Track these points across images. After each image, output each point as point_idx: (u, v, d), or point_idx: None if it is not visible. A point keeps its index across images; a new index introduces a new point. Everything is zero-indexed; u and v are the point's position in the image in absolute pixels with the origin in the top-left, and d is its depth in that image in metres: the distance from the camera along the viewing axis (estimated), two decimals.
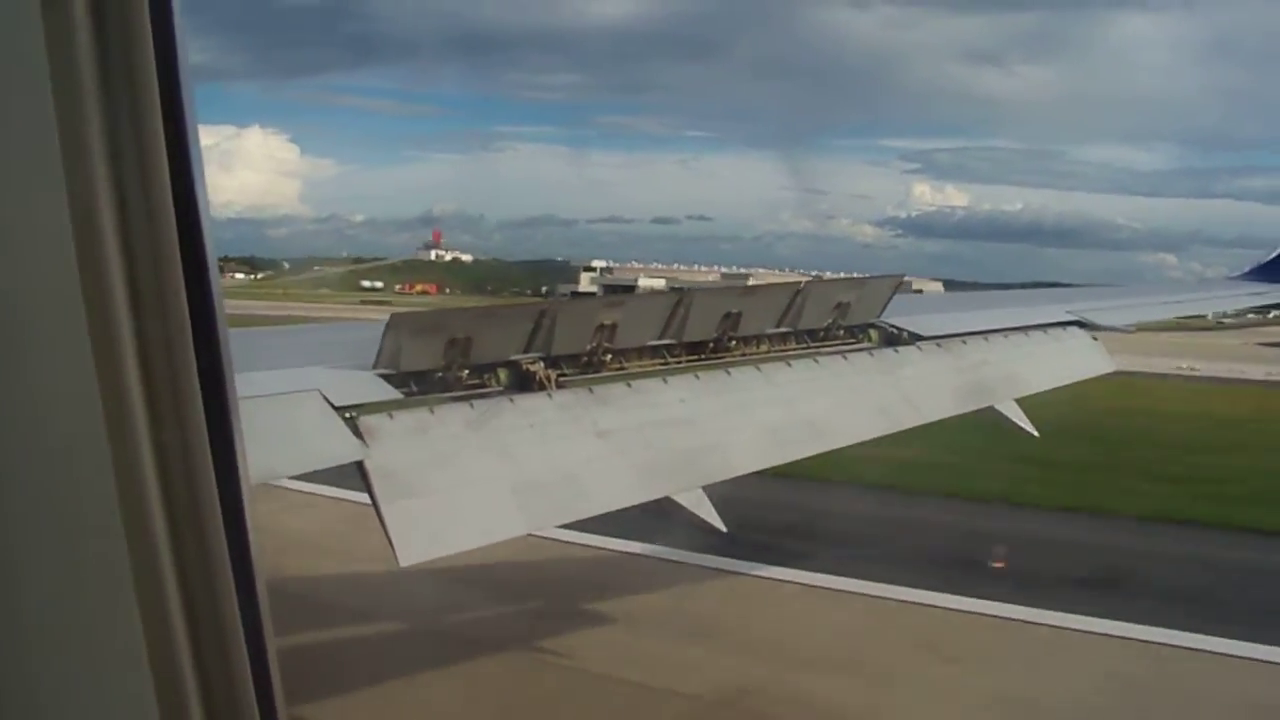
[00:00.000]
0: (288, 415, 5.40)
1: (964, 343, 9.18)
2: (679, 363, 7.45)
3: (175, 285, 1.48)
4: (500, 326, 6.72)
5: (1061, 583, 15.25)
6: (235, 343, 1.64)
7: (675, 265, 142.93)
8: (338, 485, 13.76)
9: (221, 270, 1.71)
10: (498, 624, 13.36)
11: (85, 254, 1.40)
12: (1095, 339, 10.41)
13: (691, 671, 11.53)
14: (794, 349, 8.10)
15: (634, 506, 6.69)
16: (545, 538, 12.77)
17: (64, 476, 1.42)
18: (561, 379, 6.71)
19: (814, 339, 8.27)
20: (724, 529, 6.77)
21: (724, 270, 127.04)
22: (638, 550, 15.47)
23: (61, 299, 1.39)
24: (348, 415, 5.61)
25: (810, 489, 19.16)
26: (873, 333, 8.68)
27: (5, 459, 1.38)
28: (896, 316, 8.85)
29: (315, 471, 5.75)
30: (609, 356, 7.07)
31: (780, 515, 17.36)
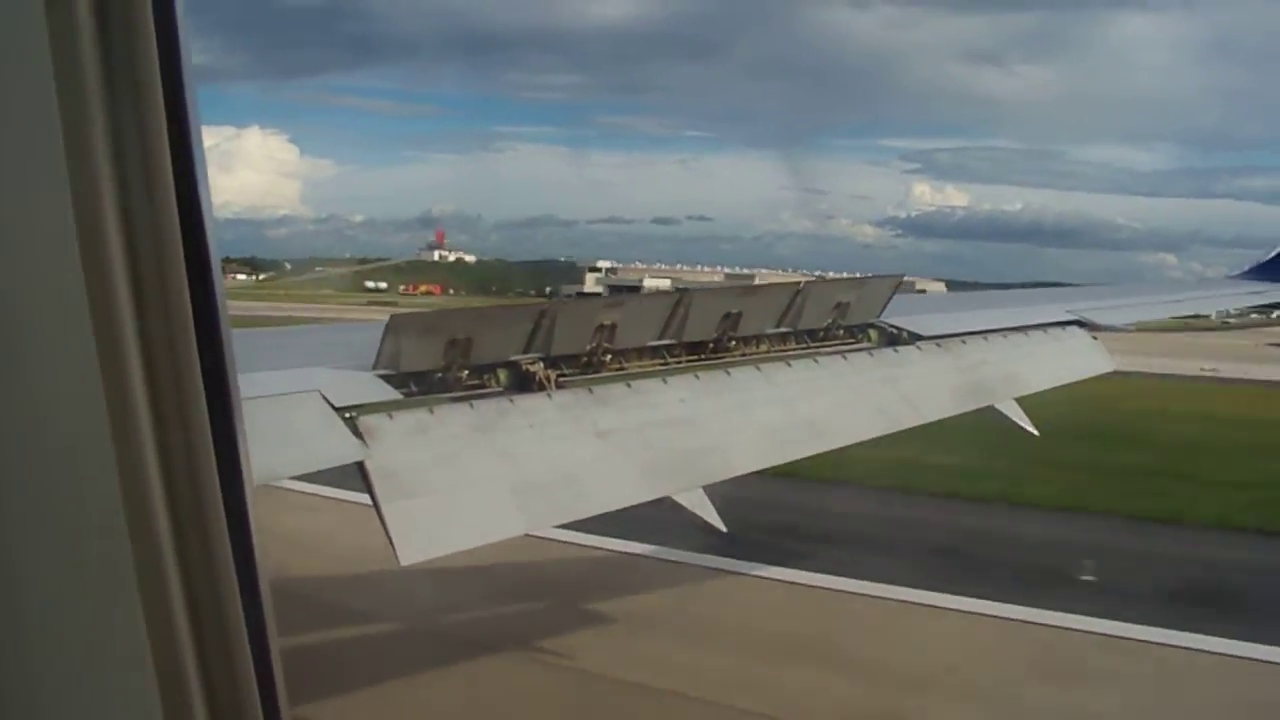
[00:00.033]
0: (288, 416, 5.41)
1: (964, 342, 9.19)
2: (679, 363, 7.46)
3: (179, 285, 1.49)
4: (500, 327, 6.73)
5: (1166, 597, 14.56)
6: (235, 343, 1.64)
7: (678, 266, 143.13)
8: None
9: (223, 271, 1.72)
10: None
11: (89, 254, 1.40)
12: (1095, 338, 10.41)
13: (698, 675, 11.49)
14: (794, 349, 8.11)
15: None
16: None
17: (68, 476, 1.42)
18: (561, 379, 6.72)
19: (814, 339, 8.28)
20: (724, 529, 6.78)
21: (728, 271, 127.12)
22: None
23: (65, 299, 1.40)
24: (348, 416, 5.63)
25: (865, 495, 19.22)
26: (872, 333, 8.69)
27: (9, 458, 1.38)
28: (896, 316, 8.86)
29: (315, 473, 5.77)
30: (609, 357, 7.08)
31: (857, 526, 17.43)
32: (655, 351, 7.39)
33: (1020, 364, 9.49)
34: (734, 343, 7.78)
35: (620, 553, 15.41)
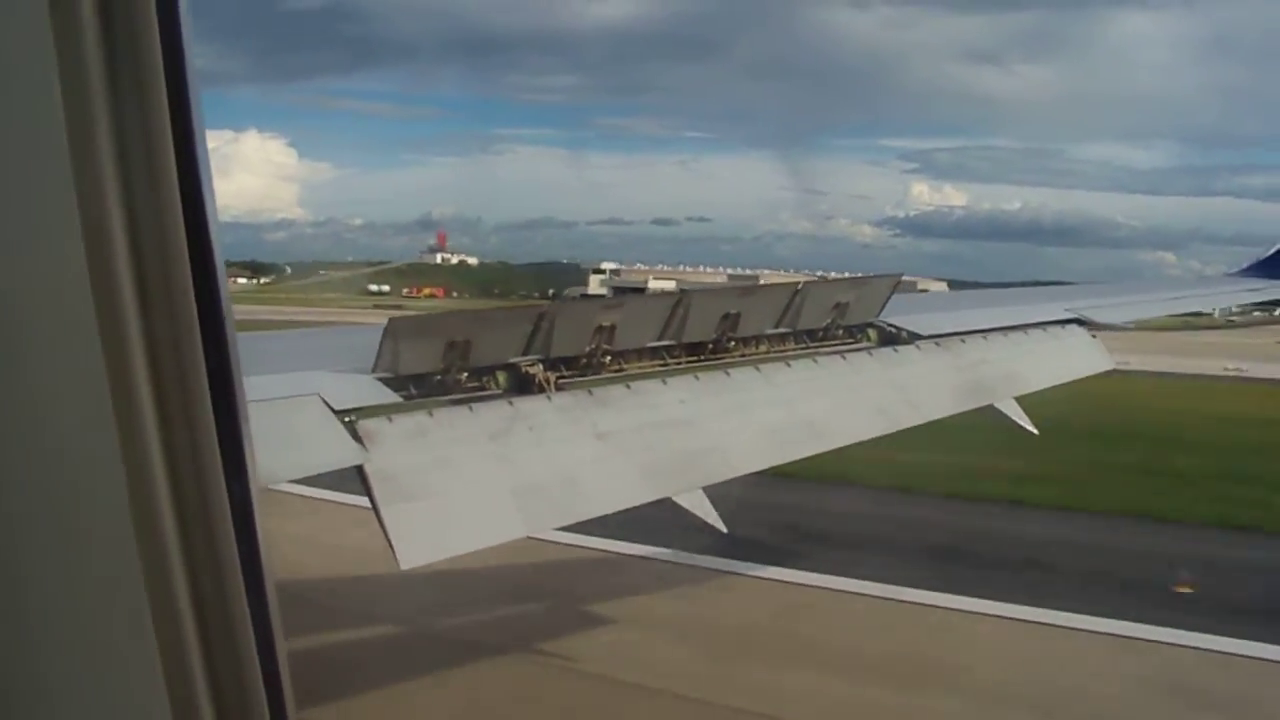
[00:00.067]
0: (288, 419, 5.41)
1: (963, 341, 9.19)
2: (678, 364, 7.46)
3: (184, 285, 1.49)
4: (498, 329, 6.74)
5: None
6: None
7: (681, 267, 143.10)
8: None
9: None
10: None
11: (94, 254, 1.40)
12: (1094, 336, 10.41)
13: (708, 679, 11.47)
14: (793, 349, 8.11)
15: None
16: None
17: (74, 477, 1.42)
18: (561, 381, 6.73)
19: (813, 339, 8.28)
20: (724, 530, 6.78)
21: (731, 272, 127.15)
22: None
23: (71, 299, 1.40)
24: (347, 419, 5.63)
25: (936, 504, 19.21)
26: (871, 332, 8.69)
27: (16, 460, 1.38)
28: (895, 316, 8.87)
29: (314, 475, 5.78)
30: (608, 358, 7.08)
31: (935, 537, 17.17)
32: (654, 352, 7.39)
33: (1019, 363, 9.48)
34: (733, 343, 7.77)
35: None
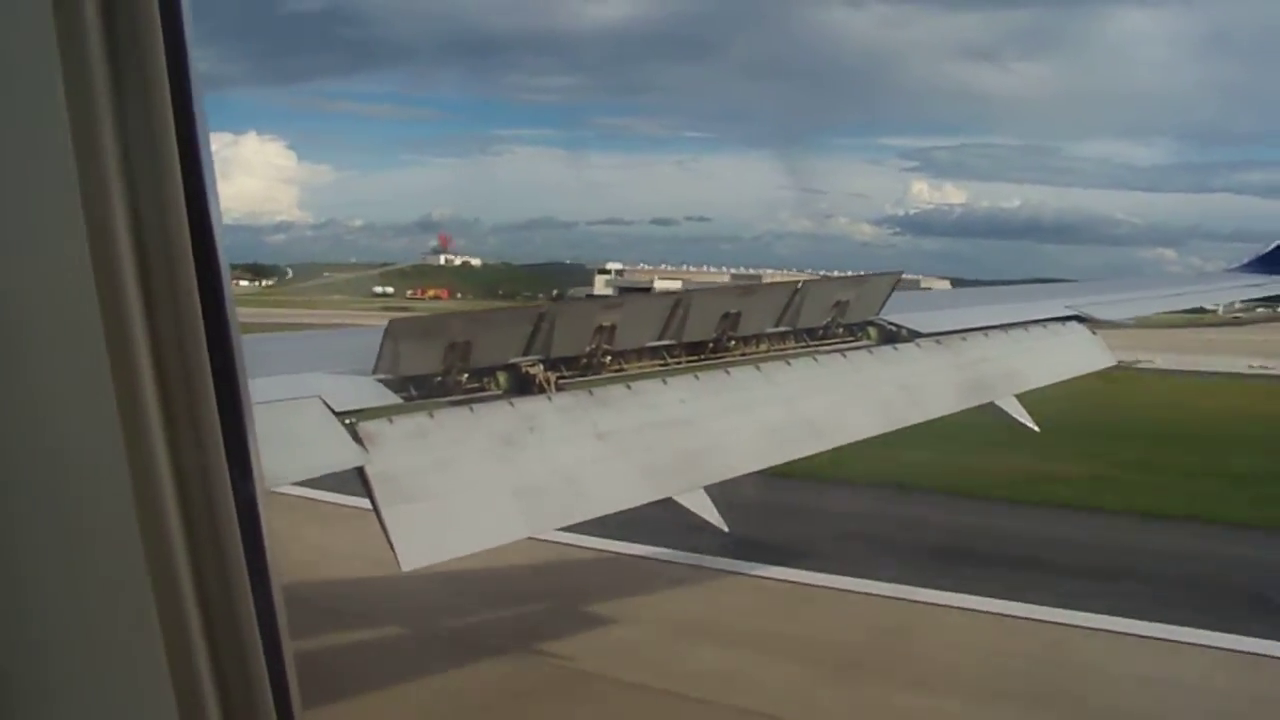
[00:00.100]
0: (288, 421, 5.40)
1: (963, 339, 9.20)
2: (678, 363, 7.46)
3: (188, 285, 1.49)
4: (498, 330, 6.75)
5: None
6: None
7: (685, 266, 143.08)
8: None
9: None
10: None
11: (98, 254, 1.40)
12: (1095, 333, 10.42)
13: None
14: (793, 348, 8.11)
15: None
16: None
17: (78, 477, 1.42)
18: (561, 381, 6.74)
19: (813, 338, 8.29)
20: (726, 529, 6.80)
21: (735, 271, 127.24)
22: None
23: (75, 299, 1.40)
24: (348, 421, 5.63)
25: (1008, 511, 18.82)
26: (872, 330, 8.69)
27: (19, 460, 1.38)
28: (896, 314, 8.87)
29: (316, 478, 5.80)
30: (608, 358, 7.08)
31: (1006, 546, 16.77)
32: (655, 352, 7.39)
33: (1020, 360, 9.50)
34: (733, 342, 7.77)
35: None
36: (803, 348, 8.16)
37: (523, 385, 6.56)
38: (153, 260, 1.46)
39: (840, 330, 8.47)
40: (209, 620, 1.53)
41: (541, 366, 6.66)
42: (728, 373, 7.57)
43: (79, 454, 1.43)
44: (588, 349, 6.96)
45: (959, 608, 13.43)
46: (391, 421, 5.85)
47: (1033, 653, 12.23)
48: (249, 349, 1.65)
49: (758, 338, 7.95)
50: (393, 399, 6.02)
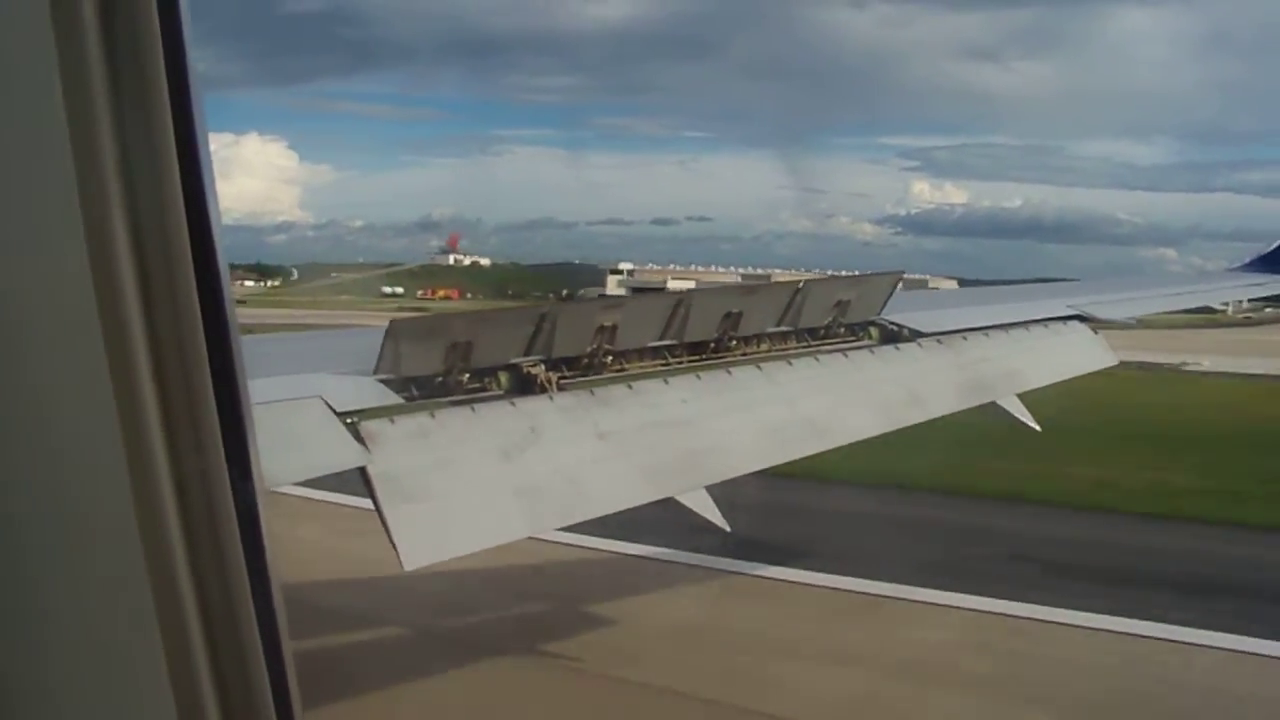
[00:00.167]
0: (290, 422, 5.42)
1: (964, 339, 9.20)
2: (680, 363, 7.47)
3: (187, 286, 1.48)
4: (500, 330, 6.77)
5: None
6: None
7: (693, 266, 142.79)
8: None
9: (231, 278, 1.74)
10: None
11: (97, 255, 1.39)
12: (1096, 333, 10.42)
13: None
14: (795, 348, 8.11)
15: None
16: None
17: (78, 478, 1.42)
18: (563, 381, 6.76)
19: (814, 337, 8.29)
20: (728, 529, 6.81)
21: (744, 271, 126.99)
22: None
23: (74, 300, 1.39)
24: (349, 421, 5.65)
25: (1135, 525, 17.77)
26: (873, 330, 8.70)
27: (19, 461, 1.38)
28: (897, 314, 8.88)
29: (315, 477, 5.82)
30: (609, 358, 7.09)
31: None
32: (656, 352, 7.39)
33: (1021, 359, 9.50)
34: (735, 342, 7.78)
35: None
36: (804, 347, 8.16)
37: (524, 385, 6.57)
38: (152, 261, 1.45)
39: (842, 330, 8.47)
40: (209, 621, 1.53)
41: (543, 366, 6.67)
42: (729, 372, 7.57)
43: (78, 455, 1.42)
44: (589, 349, 6.96)
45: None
46: (393, 421, 5.86)
47: None
48: (252, 349, 1.66)
49: (759, 337, 7.96)
50: (394, 399, 6.04)
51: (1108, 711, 10.67)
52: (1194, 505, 18.71)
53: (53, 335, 1.40)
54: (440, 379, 6.30)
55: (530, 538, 6.56)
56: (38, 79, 1.36)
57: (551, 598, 14.16)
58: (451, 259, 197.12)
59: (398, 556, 5.35)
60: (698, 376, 7.39)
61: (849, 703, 10.86)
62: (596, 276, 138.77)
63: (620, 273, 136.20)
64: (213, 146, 1.63)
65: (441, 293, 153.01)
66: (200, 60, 1.55)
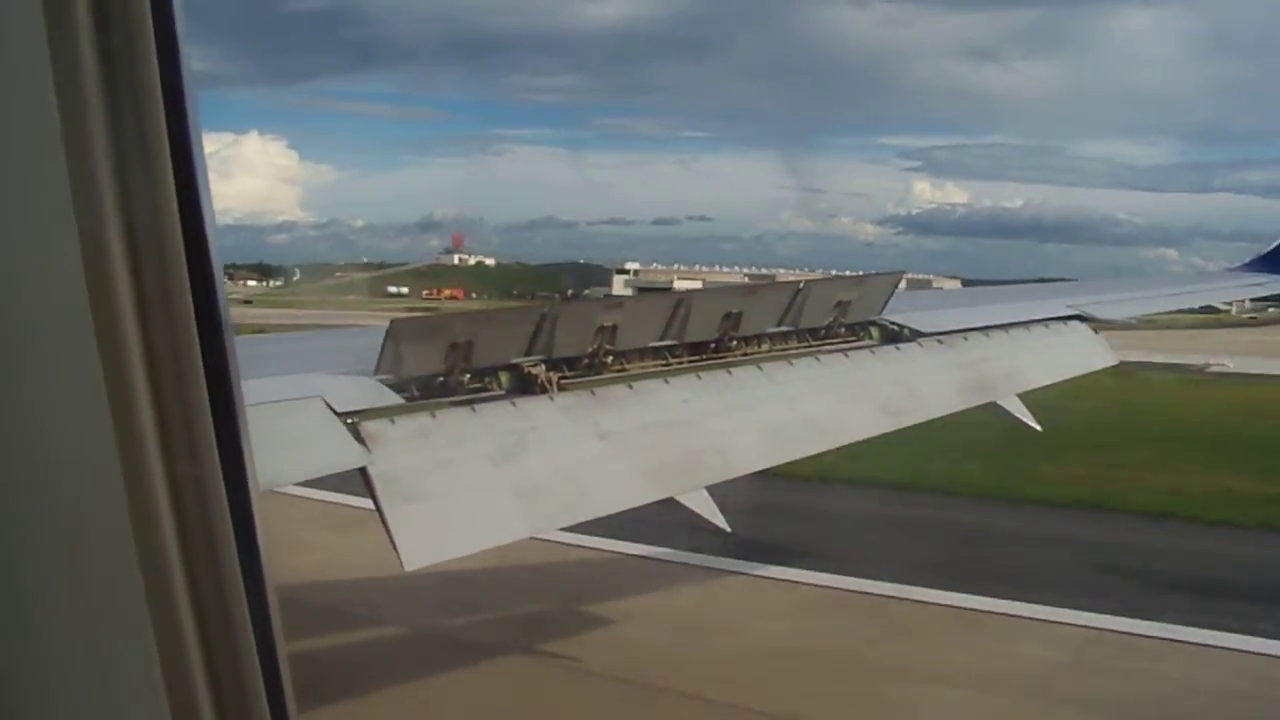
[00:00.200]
0: (291, 422, 5.41)
1: (965, 339, 9.19)
2: (680, 363, 7.45)
3: (181, 288, 1.47)
4: (500, 330, 6.77)
5: None
6: (237, 350, 1.63)
7: (698, 267, 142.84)
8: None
9: (232, 278, 1.73)
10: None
11: (90, 257, 1.39)
12: (1096, 332, 10.41)
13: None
14: (795, 348, 8.10)
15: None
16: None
17: (72, 482, 1.42)
18: (563, 381, 6.76)
19: (815, 337, 8.27)
20: (728, 529, 6.81)
21: (749, 271, 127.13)
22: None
23: (67, 302, 1.39)
24: (350, 421, 5.64)
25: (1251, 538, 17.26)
26: (874, 330, 8.69)
27: (15, 467, 1.37)
28: (898, 314, 8.88)
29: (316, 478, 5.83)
30: (610, 358, 7.07)
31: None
32: (657, 352, 7.38)
33: (1021, 359, 9.49)
34: (735, 342, 7.76)
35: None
36: (805, 347, 8.14)
37: (525, 385, 6.57)
38: (145, 263, 1.45)
39: (842, 330, 8.46)
40: (203, 623, 1.53)
41: (543, 367, 6.67)
42: (730, 373, 7.55)
43: (72, 458, 1.42)
44: (590, 349, 6.95)
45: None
46: (394, 422, 5.86)
47: None
48: (253, 349, 1.67)
49: (760, 337, 7.95)
50: (395, 399, 6.03)
51: None
52: (1262, 512, 18.16)
53: (46, 336, 1.40)
54: (441, 379, 6.30)
55: (530, 538, 6.55)
56: (31, 78, 1.36)
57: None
58: (456, 259, 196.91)
59: (398, 557, 5.36)
60: (698, 376, 7.37)
61: None
62: (602, 276, 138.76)
63: (627, 272, 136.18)
64: (214, 146, 1.61)
65: (447, 293, 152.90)
66: (201, 59, 1.54)
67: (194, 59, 1.53)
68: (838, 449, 7.88)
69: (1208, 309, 15.84)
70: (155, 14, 1.44)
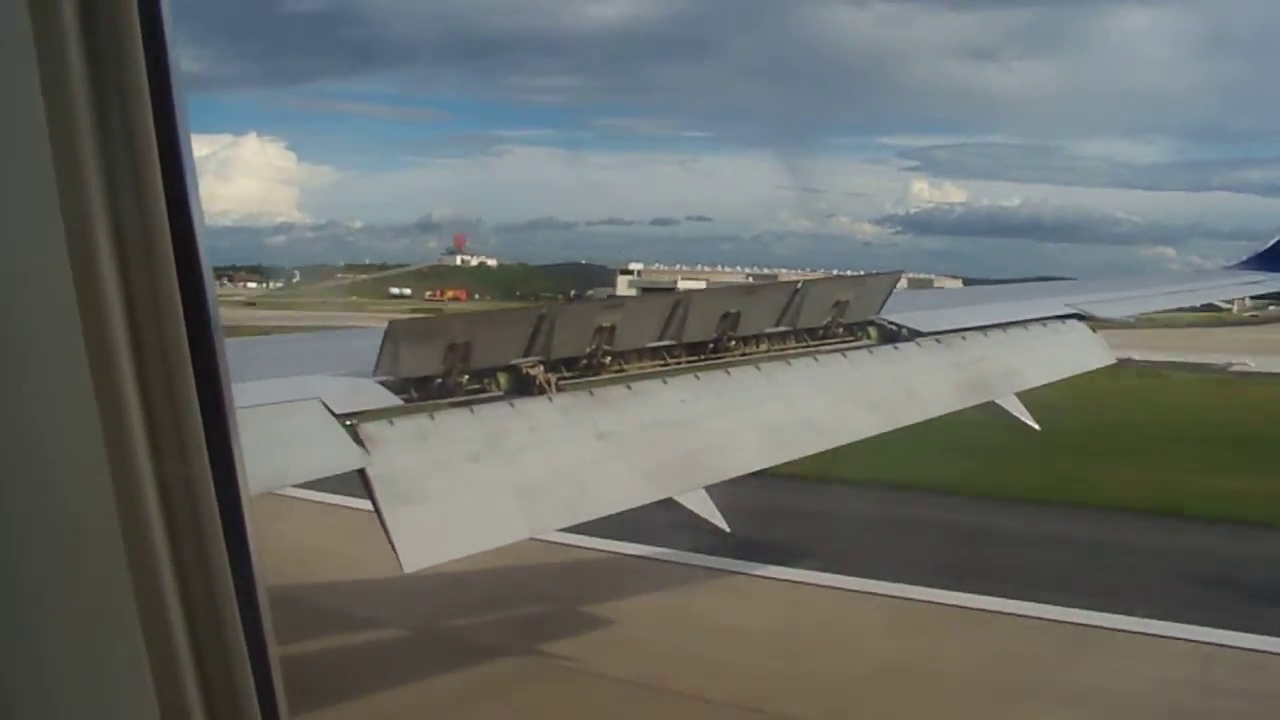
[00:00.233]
0: (288, 424, 5.41)
1: (963, 338, 9.19)
2: (679, 364, 7.45)
3: (170, 288, 1.47)
4: (499, 331, 6.77)
5: None
6: (235, 352, 1.64)
7: (699, 267, 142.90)
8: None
9: (232, 279, 1.73)
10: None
11: (78, 259, 1.38)
12: (1095, 331, 10.42)
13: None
14: (793, 348, 8.10)
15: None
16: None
17: (62, 485, 1.41)
18: (562, 382, 6.77)
19: (813, 337, 8.27)
20: (728, 529, 6.82)
21: (752, 271, 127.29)
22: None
23: (55, 304, 1.38)
24: (348, 423, 5.63)
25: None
26: (872, 330, 8.68)
27: (4, 469, 1.37)
28: (896, 313, 8.89)
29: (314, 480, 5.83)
30: (608, 359, 7.07)
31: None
32: (655, 353, 7.38)
33: (1020, 358, 9.49)
34: (733, 342, 7.76)
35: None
36: (803, 347, 8.14)
37: (523, 386, 6.58)
38: (134, 263, 1.44)
39: (840, 330, 8.46)
40: (193, 624, 1.52)
41: (542, 367, 6.67)
42: (728, 373, 7.56)
43: (61, 458, 1.41)
44: (588, 350, 6.96)
45: None
46: (392, 423, 5.86)
47: None
48: (250, 351, 1.68)
49: (758, 338, 7.95)
50: (393, 401, 6.03)
51: None
52: None
53: (35, 337, 1.39)
54: (440, 380, 6.30)
55: (529, 538, 6.56)
56: (18, 79, 1.35)
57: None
58: (458, 260, 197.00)
59: (397, 558, 5.37)
60: (696, 377, 7.37)
61: None
62: (606, 277, 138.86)
63: (630, 273, 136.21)
64: (212, 148, 1.62)
65: (450, 294, 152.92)
66: (200, 60, 1.55)
67: (193, 60, 1.57)
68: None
69: (1208, 307, 15.72)
70: (142, 14, 1.44)
